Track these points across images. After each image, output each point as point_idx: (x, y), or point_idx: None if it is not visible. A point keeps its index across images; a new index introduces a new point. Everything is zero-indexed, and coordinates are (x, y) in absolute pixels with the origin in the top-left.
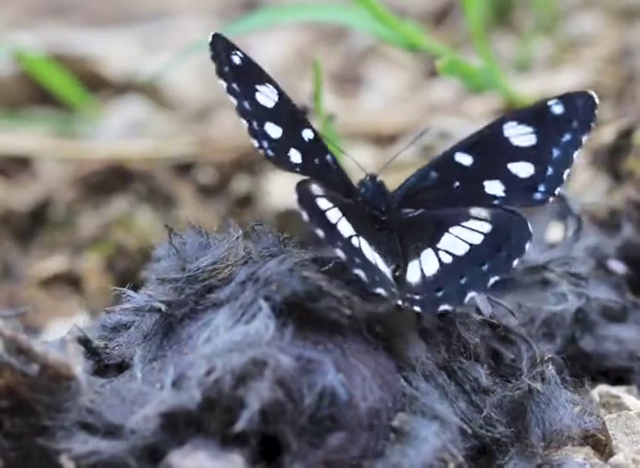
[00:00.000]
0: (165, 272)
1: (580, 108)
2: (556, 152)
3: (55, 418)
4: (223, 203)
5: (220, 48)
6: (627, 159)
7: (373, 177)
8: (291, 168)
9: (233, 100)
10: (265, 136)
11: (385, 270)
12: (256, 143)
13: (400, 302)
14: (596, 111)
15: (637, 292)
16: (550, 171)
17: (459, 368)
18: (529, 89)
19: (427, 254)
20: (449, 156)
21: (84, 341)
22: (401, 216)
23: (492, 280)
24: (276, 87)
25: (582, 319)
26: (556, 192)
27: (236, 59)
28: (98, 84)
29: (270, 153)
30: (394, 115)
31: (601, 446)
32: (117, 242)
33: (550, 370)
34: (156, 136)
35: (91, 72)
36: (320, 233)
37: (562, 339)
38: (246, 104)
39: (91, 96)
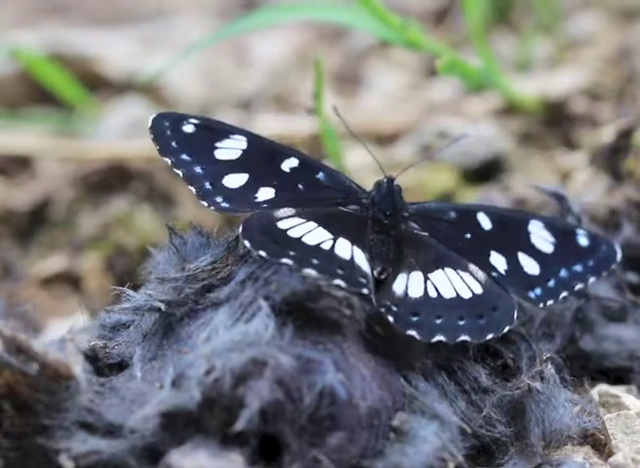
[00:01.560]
0: (165, 271)
1: (601, 253)
2: (564, 272)
3: (54, 418)
4: None
5: (164, 126)
6: (627, 159)
7: (390, 180)
8: (255, 207)
9: (180, 172)
10: (221, 190)
11: (364, 266)
12: (205, 204)
13: (366, 292)
14: (614, 265)
15: (637, 292)
16: (552, 283)
17: (458, 367)
18: (529, 88)
19: (417, 277)
20: (473, 210)
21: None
22: (407, 227)
23: (462, 337)
24: (244, 134)
25: (582, 318)
26: (548, 304)
27: (189, 128)
28: (97, 83)
29: (226, 205)
30: (394, 114)
31: (600, 445)
32: (117, 241)
33: (550, 369)
34: None
35: (91, 72)
36: (263, 254)
37: (562, 339)
38: (197, 170)
39: (91, 95)
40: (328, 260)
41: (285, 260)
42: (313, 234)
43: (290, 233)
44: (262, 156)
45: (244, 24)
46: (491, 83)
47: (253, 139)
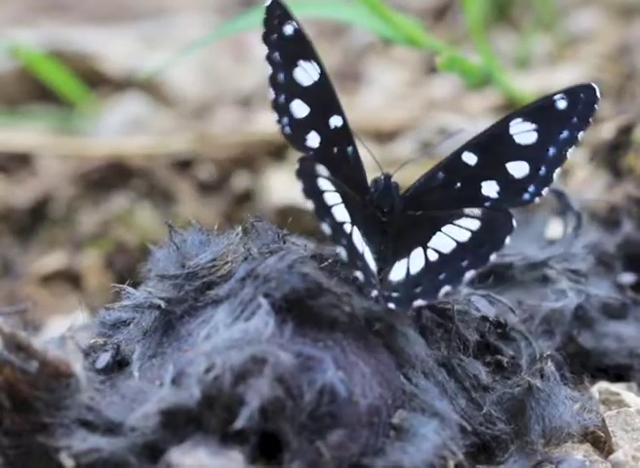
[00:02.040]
0: (165, 269)
1: (581, 102)
2: (552, 150)
3: (54, 416)
4: (223, 199)
5: (275, 14)
6: (627, 155)
7: (387, 177)
8: (304, 150)
9: (269, 69)
10: (288, 112)
11: (372, 263)
12: (275, 117)
13: (376, 293)
14: (596, 106)
15: (637, 290)
16: (543, 170)
17: (458, 365)
18: (528, 85)
19: (417, 253)
20: (457, 155)
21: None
22: (403, 219)
23: (468, 275)
24: (321, 67)
25: (582, 316)
26: (543, 192)
27: (289, 29)
28: (97, 80)
29: (288, 130)
30: (394, 111)
31: (601, 442)
32: (117, 239)
33: (550, 366)
34: (156, 133)
35: (90, 69)
36: (311, 205)
37: (562, 336)
38: (281, 76)
39: (90, 92)
40: (351, 246)
41: (324, 226)
42: (339, 209)
43: (326, 196)
44: (323, 98)
45: (243, 22)
46: (491, 80)
47: (323, 75)
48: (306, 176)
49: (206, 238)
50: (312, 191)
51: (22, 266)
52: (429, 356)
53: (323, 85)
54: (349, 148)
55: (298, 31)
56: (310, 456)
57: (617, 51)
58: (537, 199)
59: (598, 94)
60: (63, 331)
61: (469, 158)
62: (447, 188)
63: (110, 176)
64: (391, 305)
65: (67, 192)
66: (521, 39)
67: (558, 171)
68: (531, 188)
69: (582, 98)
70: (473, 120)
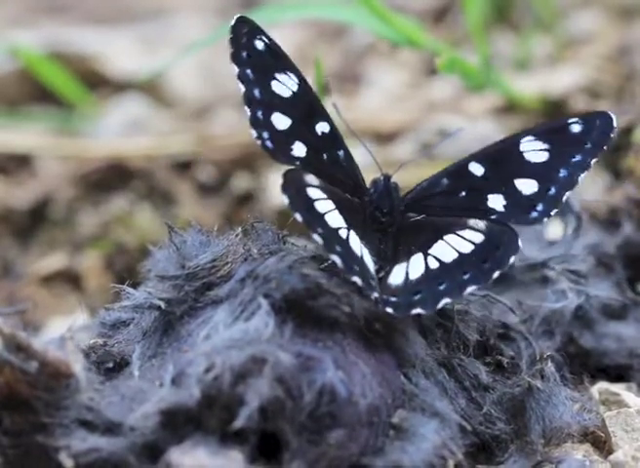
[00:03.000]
0: (164, 269)
1: (597, 129)
2: (563, 172)
3: (54, 416)
4: (223, 201)
5: (242, 32)
6: (627, 157)
7: (387, 178)
8: (289, 161)
9: (242, 87)
10: (269, 126)
11: (371, 267)
12: (254, 134)
13: (376, 296)
14: (612, 135)
15: (637, 290)
16: (553, 191)
17: (458, 364)
18: (528, 87)
19: (417, 259)
20: (463, 165)
21: None
22: (403, 220)
23: (469, 289)
24: (299, 77)
25: (582, 316)
26: (552, 214)
27: (259, 45)
28: (97, 82)
29: (269, 144)
30: (394, 113)
31: (601, 443)
32: (117, 240)
33: (550, 367)
34: (156, 134)
35: (91, 70)
36: (299, 218)
37: (562, 337)
38: (256, 92)
39: (90, 93)
40: (347, 251)
41: (316, 236)
42: (332, 216)
43: (316, 205)
44: (305, 107)
45: None
46: (490, 81)
47: (302, 85)
48: (293, 190)
49: (206, 239)
50: (300, 204)
51: (22, 267)
52: (429, 356)
53: (303, 94)
54: (340, 152)
55: (269, 45)
56: (310, 456)
57: (616, 52)
58: (545, 219)
59: (615, 123)
60: (63, 332)
61: (476, 169)
62: (451, 195)
63: (110, 178)
64: (389, 310)
65: (67, 193)
66: (521, 40)
67: (568, 194)
68: (539, 207)
69: (598, 126)
70: (473, 121)
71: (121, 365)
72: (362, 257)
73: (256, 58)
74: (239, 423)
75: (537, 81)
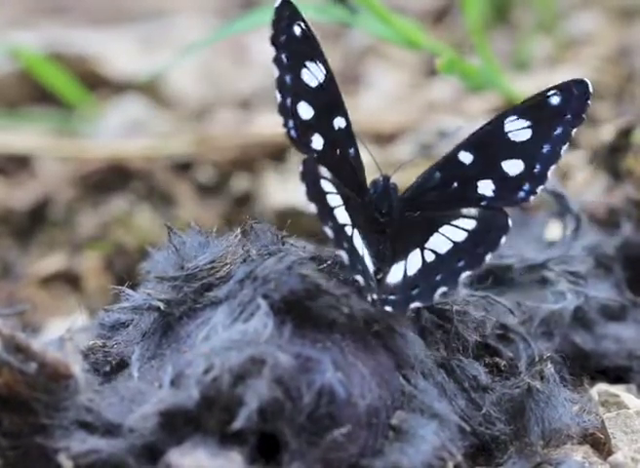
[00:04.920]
0: (164, 271)
1: (574, 98)
2: (546, 148)
3: (53, 417)
4: (223, 201)
5: (285, 15)
6: (626, 158)
7: (386, 179)
8: (309, 152)
9: (276, 71)
10: (295, 115)
11: (370, 265)
12: (282, 121)
13: (374, 297)
14: (589, 101)
15: (636, 291)
16: (538, 168)
17: (457, 365)
18: (528, 87)
19: (414, 255)
20: (453, 155)
21: None
22: (401, 220)
23: (463, 275)
24: (326, 68)
25: (581, 317)
26: (538, 191)
27: (297, 30)
28: (97, 83)
29: (294, 134)
30: (393, 114)
31: (600, 444)
32: (116, 241)
33: (549, 368)
34: (155, 135)
35: (90, 71)
36: (314, 208)
37: (561, 338)
38: (287, 78)
39: (90, 94)
40: (352, 249)
41: (327, 229)
42: (340, 212)
43: (328, 199)
44: (327, 99)
45: (243, 24)
46: (490, 82)
47: (328, 76)
48: (310, 179)
49: (205, 240)
50: (316, 194)
51: (22, 268)
52: (428, 357)
53: (328, 86)
54: (351, 150)
55: (305, 31)
56: (309, 457)
57: (616, 53)
58: (532, 197)
59: (591, 88)
60: (63, 333)
61: (465, 157)
62: (444, 188)
63: (110, 179)
64: (388, 308)
65: (67, 194)
66: (521, 41)
67: (553, 168)
68: (526, 186)
69: (575, 94)
70: (473, 122)
71: (120, 366)
72: (364, 257)
73: (292, 43)
74: (238, 424)
75: (536, 82)
